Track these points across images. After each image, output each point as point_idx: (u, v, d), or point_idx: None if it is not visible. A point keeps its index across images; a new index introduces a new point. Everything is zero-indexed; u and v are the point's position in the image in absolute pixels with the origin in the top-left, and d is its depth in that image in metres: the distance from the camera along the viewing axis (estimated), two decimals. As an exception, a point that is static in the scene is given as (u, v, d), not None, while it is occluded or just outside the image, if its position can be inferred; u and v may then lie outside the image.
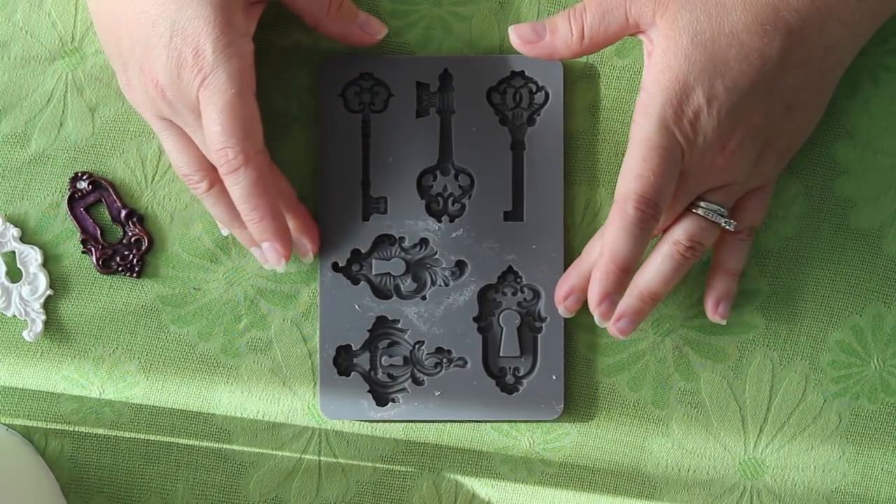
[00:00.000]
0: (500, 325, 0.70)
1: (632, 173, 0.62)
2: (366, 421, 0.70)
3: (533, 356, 0.70)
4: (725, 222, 0.65)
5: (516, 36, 0.65)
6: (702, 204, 0.65)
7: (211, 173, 0.65)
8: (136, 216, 0.70)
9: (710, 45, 0.61)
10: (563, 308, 0.68)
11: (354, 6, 0.67)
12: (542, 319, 0.69)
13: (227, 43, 0.62)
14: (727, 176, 0.64)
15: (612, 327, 0.66)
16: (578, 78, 0.70)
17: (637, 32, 0.63)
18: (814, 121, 0.65)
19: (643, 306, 0.66)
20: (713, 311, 0.68)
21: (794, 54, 0.62)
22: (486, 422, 0.70)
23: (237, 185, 0.62)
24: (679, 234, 0.65)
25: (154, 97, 0.63)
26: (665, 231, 0.66)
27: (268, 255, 0.65)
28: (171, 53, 0.62)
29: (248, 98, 0.62)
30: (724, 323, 0.68)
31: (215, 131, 0.61)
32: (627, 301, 0.66)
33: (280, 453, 0.71)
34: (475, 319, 0.69)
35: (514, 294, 0.70)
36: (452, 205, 0.70)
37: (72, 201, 0.70)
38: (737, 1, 0.61)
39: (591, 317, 0.70)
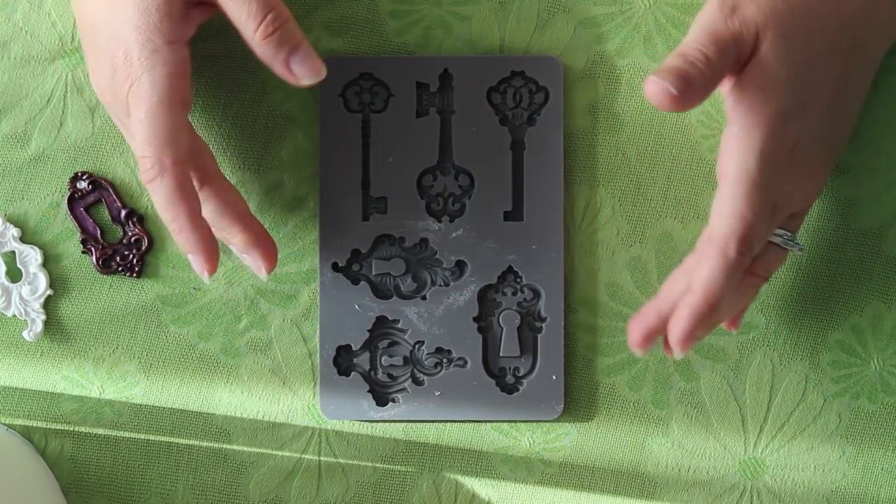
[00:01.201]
0: (500, 325, 0.70)
1: (734, 214, 0.59)
2: (366, 421, 0.70)
3: (533, 356, 0.70)
4: (799, 249, 0.64)
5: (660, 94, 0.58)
6: (780, 233, 0.63)
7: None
8: (136, 216, 0.70)
9: (800, 74, 0.59)
10: (639, 349, 0.63)
11: (298, 36, 0.61)
12: (542, 319, 0.69)
13: (152, 49, 0.60)
14: (808, 202, 0.63)
15: (677, 346, 0.63)
16: (578, 78, 0.70)
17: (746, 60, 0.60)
18: (851, 132, 0.65)
19: (708, 332, 0.63)
20: (732, 325, 0.66)
21: (855, 72, 0.62)
22: (486, 422, 0.70)
23: (155, 195, 0.61)
24: (760, 267, 0.63)
25: (100, 99, 0.64)
26: None
27: (194, 266, 0.63)
28: (107, 56, 0.62)
29: (172, 106, 0.60)
30: (735, 332, 0.68)
31: (137, 139, 0.61)
32: (697, 327, 0.62)
33: (280, 453, 0.71)
34: (475, 319, 0.69)
35: (514, 294, 0.70)
36: (452, 205, 0.70)
37: (72, 201, 0.70)
38: (817, 25, 0.60)
39: (592, 317, 0.70)
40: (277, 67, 0.61)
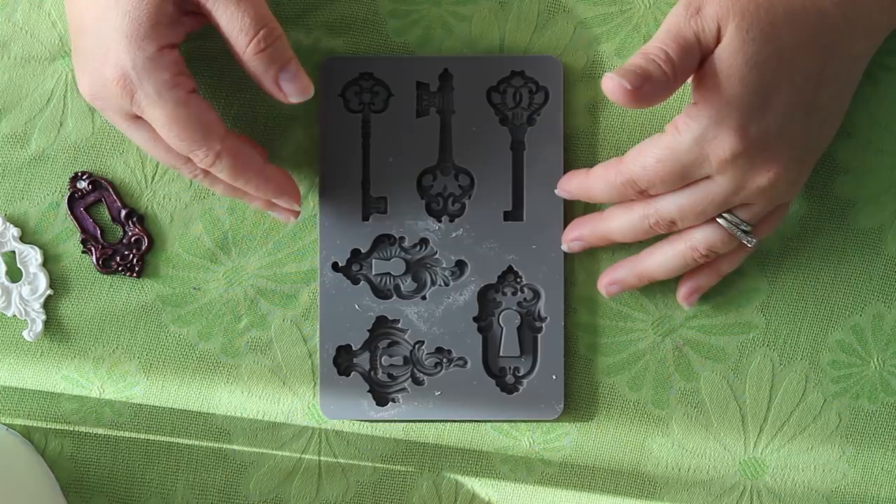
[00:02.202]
0: (500, 324, 0.70)
1: (638, 160, 0.63)
2: (366, 421, 0.70)
3: (533, 356, 0.70)
4: (747, 240, 0.65)
5: (616, 90, 0.60)
6: (727, 216, 0.64)
7: (189, 162, 0.65)
8: (136, 216, 0.70)
9: (762, 68, 0.60)
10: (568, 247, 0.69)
11: (288, 53, 0.62)
12: (542, 319, 0.69)
13: (145, 58, 0.60)
14: (765, 197, 0.63)
15: (602, 286, 0.69)
16: (578, 78, 0.70)
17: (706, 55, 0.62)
18: (835, 131, 0.65)
19: (637, 284, 0.68)
20: (685, 298, 0.68)
21: (829, 70, 0.62)
22: (486, 422, 0.70)
23: (221, 174, 0.63)
24: (698, 239, 0.65)
25: (90, 102, 0.64)
26: (685, 230, 0.65)
27: (279, 215, 0.67)
28: (94, 65, 0.61)
29: (189, 102, 0.61)
30: (687, 308, 0.69)
31: (177, 144, 0.62)
32: (624, 274, 0.68)
33: (280, 453, 0.71)
34: (475, 319, 0.69)
35: (514, 294, 0.70)
36: (452, 205, 0.70)
37: (72, 201, 0.70)
38: (784, 20, 0.60)
39: (592, 317, 0.70)
40: (267, 83, 0.62)
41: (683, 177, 0.63)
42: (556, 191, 0.68)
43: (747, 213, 0.64)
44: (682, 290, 0.68)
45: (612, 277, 0.68)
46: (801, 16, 0.61)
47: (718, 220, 0.64)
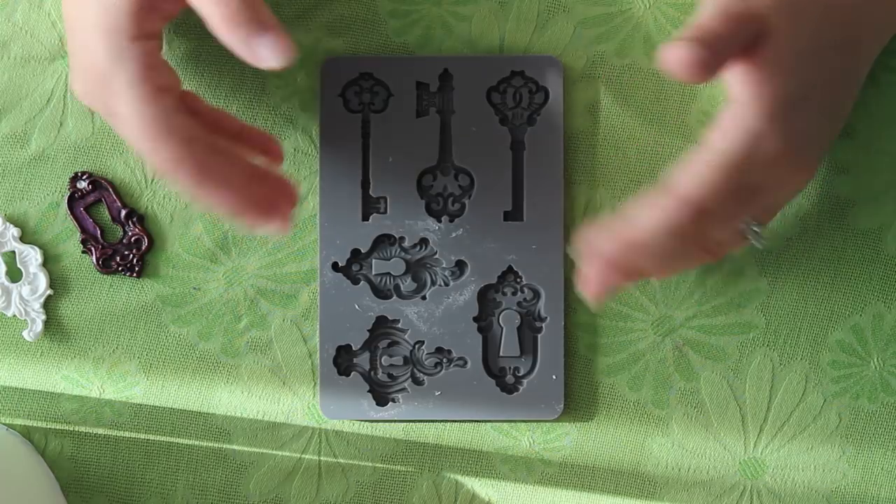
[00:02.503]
0: (500, 325, 0.70)
1: (702, 179, 0.59)
2: (366, 421, 0.70)
3: (533, 356, 0.70)
4: (760, 242, 0.63)
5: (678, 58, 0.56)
6: (745, 219, 0.62)
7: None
8: (136, 216, 0.70)
9: (806, 64, 0.58)
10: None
11: (267, 16, 0.58)
12: (542, 319, 0.69)
13: (118, 50, 0.59)
14: (787, 196, 0.63)
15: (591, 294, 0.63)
16: (578, 78, 0.70)
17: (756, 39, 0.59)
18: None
19: (627, 278, 0.63)
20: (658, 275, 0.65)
21: (852, 69, 0.61)
22: (486, 422, 0.70)
23: (183, 186, 0.60)
24: (713, 244, 0.63)
25: (82, 101, 0.63)
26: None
27: (256, 229, 0.61)
28: (77, 62, 0.61)
29: (157, 99, 0.59)
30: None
31: (133, 145, 0.60)
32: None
33: (280, 453, 0.71)
34: (475, 319, 0.69)
35: (514, 294, 0.70)
36: (452, 205, 0.70)
37: (72, 201, 0.70)
38: (825, 16, 0.59)
39: (592, 317, 0.70)
40: (241, 47, 0.58)
41: (739, 183, 0.59)
42: (581, 259, 0.61)
43: (766, 215, 0.63)
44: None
45: (609, 261, 0.60)
46: (836, 13, 0.60)
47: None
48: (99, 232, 0.70)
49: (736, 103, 0.59)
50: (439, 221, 0.69)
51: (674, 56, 0.56)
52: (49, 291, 0.70)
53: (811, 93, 0.60)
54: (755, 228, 0.63)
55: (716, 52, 0.56)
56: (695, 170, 0.59)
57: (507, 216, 0.69)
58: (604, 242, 0.60)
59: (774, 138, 0.59)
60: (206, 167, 0.59)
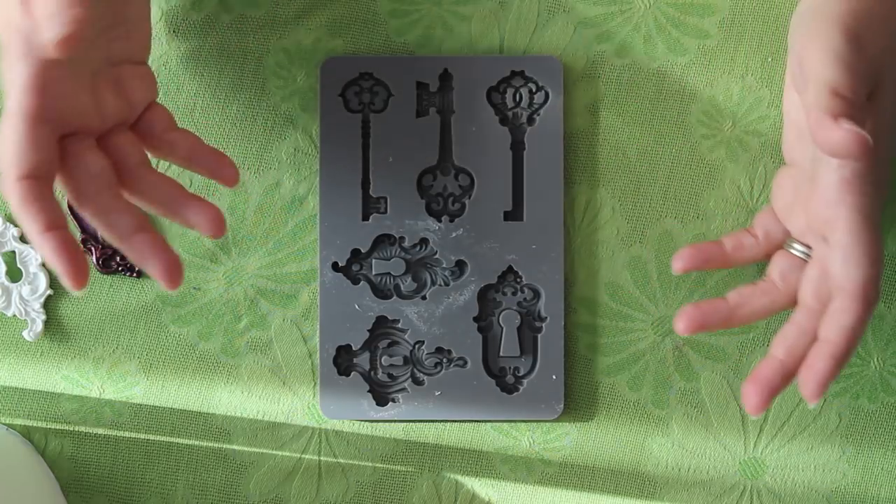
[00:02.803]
0: (500, 324, 0.70)
1: (865, 259, 0.58)
2: (366, 421, 0.70)
3: (533, 356, 0.70)
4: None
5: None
6: (796, 245, 0.63)
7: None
8: (136, 216, 0.70)
9: None
10: (757, 413, 0.61)
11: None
12: (542, 319, 0.69)
13: (9, 66, 0.57)
14: None
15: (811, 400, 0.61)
16: (578, 78, 0.70)
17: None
18: None
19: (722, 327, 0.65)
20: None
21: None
22: (486, 422, 0.70)
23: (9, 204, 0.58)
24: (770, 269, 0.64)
25: None
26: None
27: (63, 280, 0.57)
28: None
29: (27, 119, 0.56)
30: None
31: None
32: (711, 320, 0.64)
33: (280, 453, 0.71)
34: (475, 319, 0.69)
35: (514, 294, 0.70)
36: (452, 204, 0.70)
37: (72, 201, 0.70)
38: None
39: (592, 317, 0.70)
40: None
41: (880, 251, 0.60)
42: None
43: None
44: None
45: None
46: None
47: (791, 249, 0.63)
48: (99, 232, 0.70)
49: (847, 170, 0.58)
50: (439, 221, 0.69)
51: (844, 140, 0.56)
52: (49, 291, 0.70)
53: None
54: (802, 249, 0.64)
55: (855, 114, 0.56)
56: (855, 255, 0.59)
57: (507, 216, 0.69)
58: (821, 376, 0.60)
59: (884, 189, 0.60)
60: (33, 204, 0.57)
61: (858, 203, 0.58)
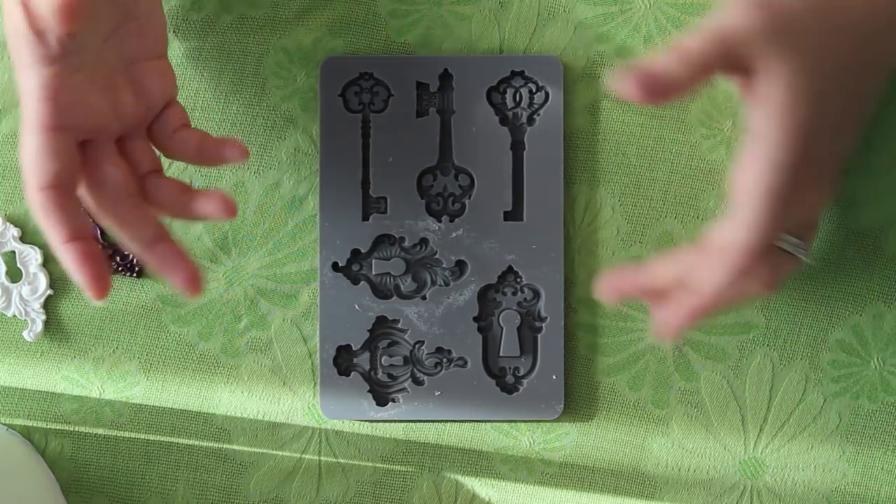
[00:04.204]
0: (500, 324, 0.70)
1: (749, 224, 0.58)
2: (366, 421, 0.71)
3: (533, 356, 0.70)
4: (806, 255, 0.63)
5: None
6: (788, 239, 0.62)
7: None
8: (136, 216, 0.70)
9: (823, 88, 0.57)
10: (606, 300, 0.64)
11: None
12: (542, 319, 0.69)
13: (21, 77, 0.57)
14: (816, 211, 0.63)
15: (664, 339, 0.64)
16: (578, 78, 0.70)
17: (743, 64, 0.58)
18: None
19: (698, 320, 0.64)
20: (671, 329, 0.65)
21: (879, 86, 0.61)
22: (486, 422, 0.70)
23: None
24: (768, 274, 0.62)
25: None
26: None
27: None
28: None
29: (41, 130, 0.57)
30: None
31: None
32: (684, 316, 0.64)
33: (280, 453, 0.71)
34: (475, 319, 0.70)
35: (514, 294, 0.70)
36: (452, 205, 0.70)
37: (72, 201, 0.70)
38: (837, 37, 0.58)
39: (592, 317, 0.70)
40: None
41: (779, 214, 0.59)
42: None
43: (808, 233, 0.63)
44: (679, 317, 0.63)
45: (683, 330, 0.62)
46: (854, 30, 0.59)
47: (779, 244, 0.62)
48: (99, 232, 0.70)
49: (754, 135, 0.58)
50: (439, 221, 0.69)
51: (619, 85, 0.56)
52: (49, 291, 0.70)
53: (835, 117, 0.58)
54: (800, 246, 0.62)
55: (689, 66, 0.56)
56: (741, 218, 0.59)
57: (507, 216, 0.69)
58: (677, 321, 0.61)
59: (796, 166, 0.58)
60: (56, 214, 0.58)
61: (759, 168, 0.58)
